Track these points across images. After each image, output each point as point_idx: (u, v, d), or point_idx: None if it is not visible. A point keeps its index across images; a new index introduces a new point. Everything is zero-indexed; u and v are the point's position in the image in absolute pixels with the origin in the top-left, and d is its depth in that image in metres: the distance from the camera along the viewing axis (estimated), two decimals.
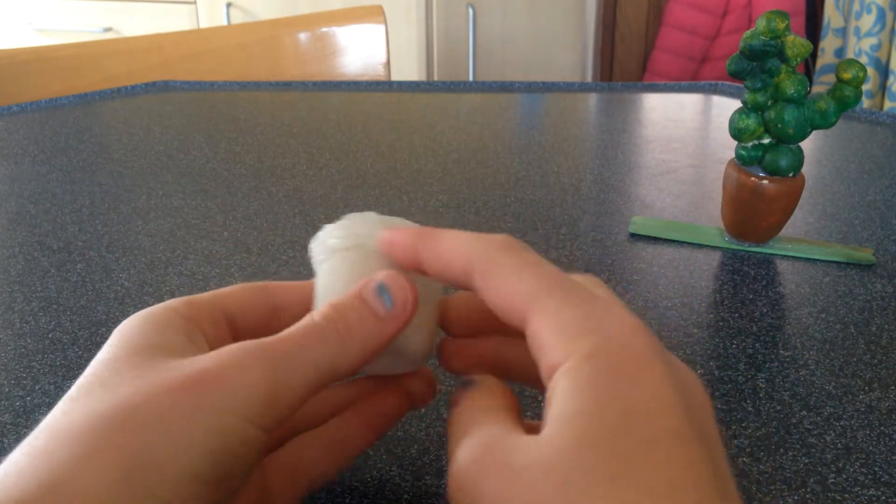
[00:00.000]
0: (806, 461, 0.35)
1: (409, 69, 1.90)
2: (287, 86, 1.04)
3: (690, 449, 0.21)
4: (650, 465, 0.20)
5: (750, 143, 0.52)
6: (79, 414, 0.23)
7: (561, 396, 0.22)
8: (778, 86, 0.50)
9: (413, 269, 0.28)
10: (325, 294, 0.29)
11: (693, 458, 0.20)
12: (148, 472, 0.22)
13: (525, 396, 0.39)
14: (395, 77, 1.56)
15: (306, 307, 0.30)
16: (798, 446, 0.36)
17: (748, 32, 0.49)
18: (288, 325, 0.27)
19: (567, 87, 1.03)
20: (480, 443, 0.22)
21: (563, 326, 0.23)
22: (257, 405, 0.24)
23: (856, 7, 1.91)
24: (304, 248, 0.55)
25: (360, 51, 1.25)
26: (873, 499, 0.32)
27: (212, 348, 0.26)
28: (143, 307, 0.29)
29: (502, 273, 0.25)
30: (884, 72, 1.89)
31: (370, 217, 0.31)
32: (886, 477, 0.34)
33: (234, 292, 0.30)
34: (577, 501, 0.19)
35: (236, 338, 0.29)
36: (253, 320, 0.30)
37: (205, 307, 0.29)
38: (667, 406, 0.21)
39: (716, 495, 0.20)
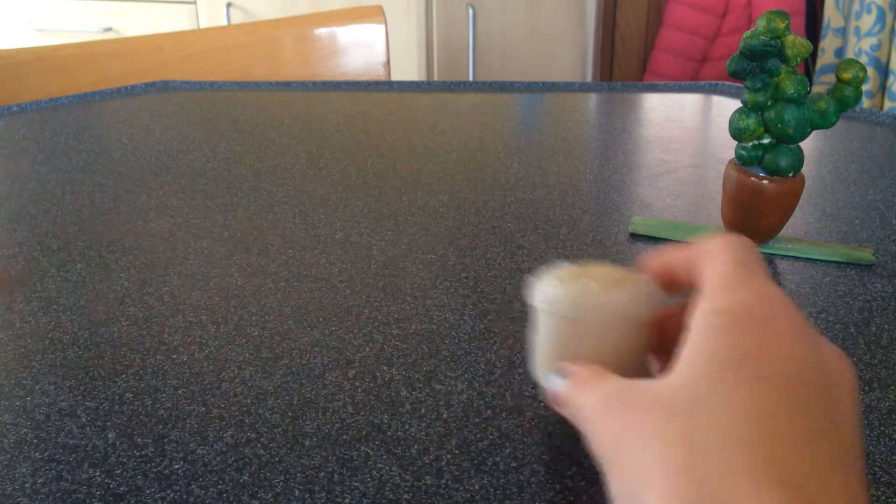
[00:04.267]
0: None
1: (409, 69, 1.89)
2: (287, 86, 1.04)
3: (789, 390, 0.23)
4: (749, 397, 0.23)
5: (750, 143, 0.52)
6: None
7: (687, 344, 0.26)
8: (778, 86, 0.50)
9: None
10: (544, 352, 0.34)
11: (792, 397, 0.23)
12: None
13: None
14: (395, 77, 1.56)
15: None
16: None
17: (748, 32, 0.49)
18: None
19: (567, 87, 1.03)
20: (609, 391, 0.26)
21: (713, 288, 0.27)
22: None
23: (856, 7, 1.91)
24: (304, 248, 0.55)
25: (360, 51, 1.25)
26: (873, 499, 0.32)
27: None
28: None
29: (713, 254, 0.29)
30: (884, 72, 1.89)
31: (590, 286, 0.33)
32: (886, 477, 0.34)
33: None
34: (683, 425, 0.23)
35: None
36: None
37: None
38: (773, 359, 0.24)
39: (809, 434, 0.22)
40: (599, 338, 0.33)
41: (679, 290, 0.32)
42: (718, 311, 0.26)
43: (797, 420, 0.22)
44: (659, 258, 0.32)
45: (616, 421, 0.25)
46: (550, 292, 0.33)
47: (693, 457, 0.22)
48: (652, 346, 0.33)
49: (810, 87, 0.56)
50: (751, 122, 0.51)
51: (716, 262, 0.28)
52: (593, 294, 0.32)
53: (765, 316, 0.25)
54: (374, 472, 0.34)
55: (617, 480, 0.24)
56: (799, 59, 0.48)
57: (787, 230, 0.56)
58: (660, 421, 0.23)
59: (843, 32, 2.01)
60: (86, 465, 0.35)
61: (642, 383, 0.26)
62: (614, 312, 0.33)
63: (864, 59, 1.89)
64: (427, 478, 0.33)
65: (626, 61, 2.42)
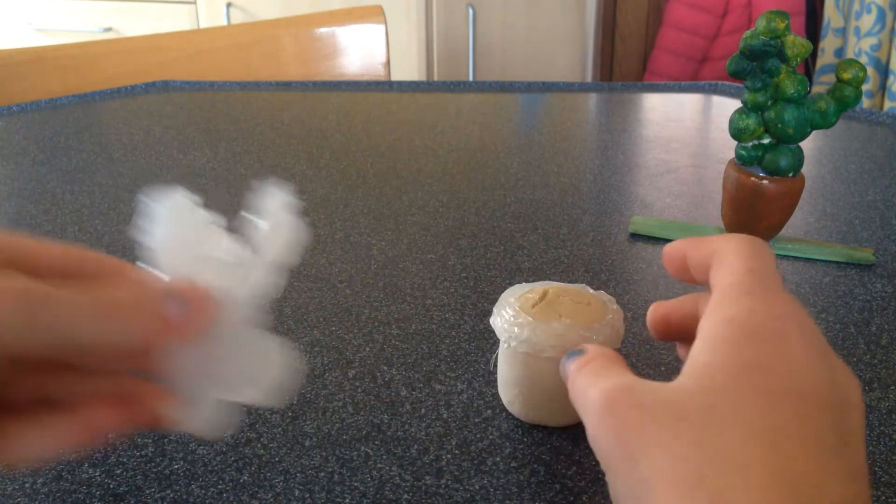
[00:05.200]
0: None
1: (409, 69, 1.89)
2: (287, 86, 1.04)
3: (800, 407, 0.23)
4: (761, 412, 0.22)
5: (750, 143, 0.52)
6: None
7: (695, 351, 0.25)
8: (778, 86, 0.50)
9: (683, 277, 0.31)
10: (516, 386, 0.36)
11: (805, 414, 0.23)
12: None
13: None
14: (395, 77, 1.56)
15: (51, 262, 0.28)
16: None
17: (748, 32, 0.49)
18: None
19: (567, 87, 1.03)
20: (614, 386, 0.25)
21: (724, 295, 0.26)
22: (4, 333, 0.23)
23: (856, 7, 1.91)
24: (304, 248, 0.55)
25: (360, 51, 1.25)
26: (873, 499, 0.32)
27: None
28: None
29: (727, 256, 0.28)
30: (884, 72, 1.89)
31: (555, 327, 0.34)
32: (886, 477, 0.34)
33: (53, 248, 0.28)
34: (695, 435, 0.22)
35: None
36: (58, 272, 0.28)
37: None
38: (784, 373, 0.23)
39: (821, 451, 0.22)
40: None
41: (692, 282, 0.31)
42: (730, 320, 0.25)
43: (809, 437, 0.22)
44: (675, 251, 0.31)
45: (619, 421, 0.24)
46: (526, 334, 0.34)
47: (705, 469, 0.22)
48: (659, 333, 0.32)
49: (810, 87, 0.56)
50: (751, 122, 0.51)
51: (729, 265, 0.27)
52: (573, 338, 0.33)
53: (778, 329, 0.25)
54: (374, 472, 0.34)
55: (621, 482, 0.24)
56: (799, 59, 0.48)
57: (787, 230, 0.56)
58: (669, 427, 0.23)
59: (843, 32, 2.01)
60: (86, 465, 0.35)
61: (650, 383, 0.25)
62: None
63: (864, 59, 1.89)
64: (427, 478, 0.33)
65: (626, 61, 2.42)
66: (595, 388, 0.26)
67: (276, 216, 0.30)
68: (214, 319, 0.28)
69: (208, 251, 0.30)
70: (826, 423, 0.23)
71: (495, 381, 0.39)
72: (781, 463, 0.21)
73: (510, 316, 0.35)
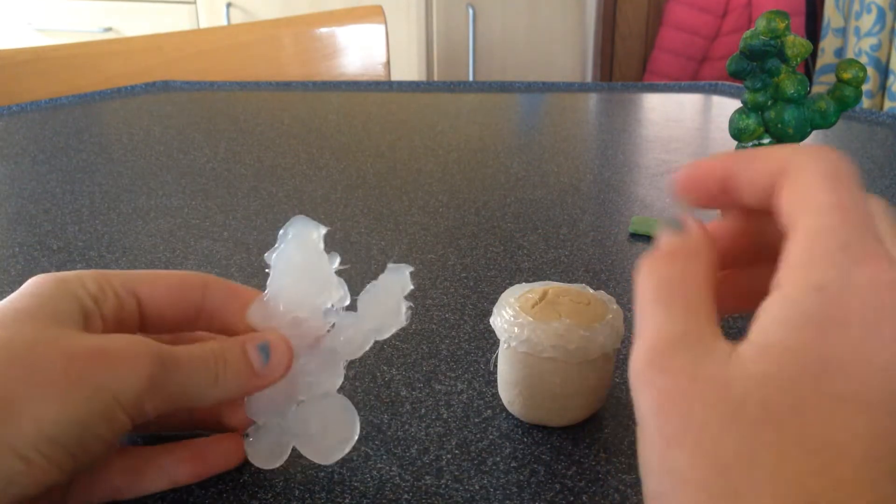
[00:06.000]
0: None
1: (409, 69, 1.89)
2: (287, 86, 1.04)
3: (875, 420, 0.19)
4: (822, 422, 0.19)
5: (750, 143, 0.52)
6: None
7: (771, 320, 0.20)
8: (778, 86, 0.50)
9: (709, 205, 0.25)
10: (516, 386, 0.36)
11: (873, 432, 0.19)
12: (22, 422, 0.24)
13: None
14: (395, 77, 1.56)
15: (235, 318, 0.33)
16: None
17: (748, 32, 0.49)
18: (208, 327, 0.32)
19: (567, 87, 1.03)
20: (671, 334, 0.21)
21: (815, 248, 0.21)
22: (133, 395, 0.26)
23: (856, 7, 1.91)
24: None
25: (360, 51, 1.25)
26: None
27: (112, 325, 0.30)
28: None
29: (804, 178, 0.22)
30: (884, 72, 1.89)
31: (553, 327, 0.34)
32: None
33: (154, 283, 0.32)
34: (736, 438, 0.19)
35: (146, 322, 0.32)
36: (168, 314, 0.32)
37: (116, 288, 0.31)
38: (868, 372, 0.19)
39: (882, 478, 0.18)
40: (576, 374, 0.34)
41: (719, 206, 0.25)
42: (820, 289, 0.20)
43: (873, 460, 0.19)
44: (709, 171, 0.25)
45: (663, 386, 0.21)
46: (526, 334, 0.34)
47: (741, 486, 0.19)
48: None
49: (810, 87, 0.56)
50: (751, 122, 0.51)
51: (811, 196, 0.21)
52: (573, 338, 0.33)
53: (873, 315, 0.20)
54: (374, 472, 0.34)
55: (649, 458, 0.21)
56: (799, 59, 0.48)
57: None
58: (715, 420, 0.20)
59: (843, 32, 2.01)
60: None
61: (711, 344, 0.21)
62: (594, 352, 0.33)
63: (864, 59, 1.89)
64: (427, 478, 0.33)
65: (626, 61, 2.42)
66: (650, 326, 0.22)
67: (392, 295, 0.32)
68: (291, 368, 0.32)
69: (321, 300, 0.32)
70: (885, 431, 0.19)
71: (495, 381, 0.39)
72: (832, 494, 0.18)
73: (510, 316, 0.35)
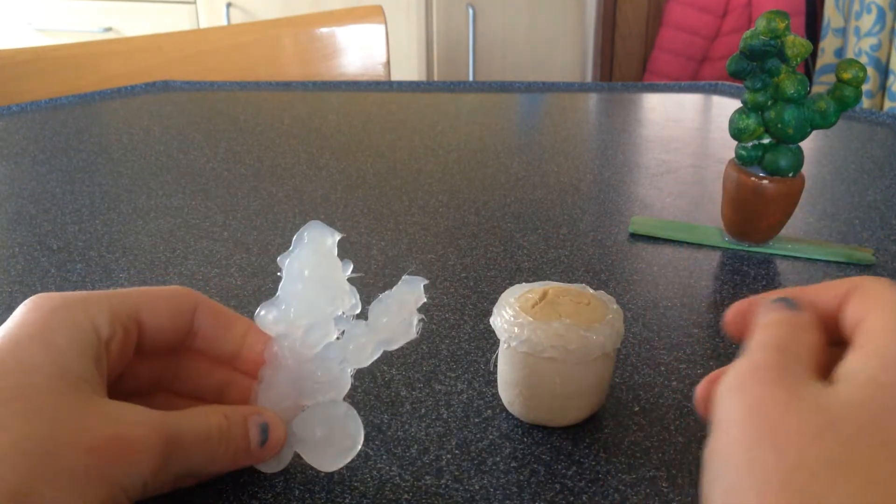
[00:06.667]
0: None
1: (409, 69, 1.89)
2: (287, 86, 1.04)
3: None
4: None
5: (750, 143, 0.52)
6: None
7: (860, 366, 0.22)
8: (778, 86, 0.50)
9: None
10: (517, 386, 0.36)
11: None
12: None
13: None
14: (395, 77, 1.56)
15: (223, 345, 0.33)
16: None
17: (748, 32, 0.49)
18: (200, 349, 0.33)
19: (567, 87, 1.03)
20: (778, 362, 0.23)
21: (889, 322, 0.23)
22: (140, 484, 0.27)
23: (856, 7, 1.91)
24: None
25: (360, 51, 1.25)
26: None
27: (115, 357, 0.30)
28: None
29: (872, 288, 0.25)
30: (884, 72, 1.89)
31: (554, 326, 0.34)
32: None
33: (156, 308, 0.32)
34: (833, 448, 0.20)
35: (140, 343, 0.32)
36: (164, 338, 0.32)
37: (124, 321, 0.31)
38: None
39: None
40: (576, 374, 0.34)
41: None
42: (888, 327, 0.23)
43: None
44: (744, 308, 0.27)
45: (760, 395, 0.22)
46: (527, 334, 0.34)
47: (826, 496, 0.19)
48: None
49: (810, 87, 0.56)
50: (751, 122, 0.51)
51: (881, 294, 0.24)
52: (573, 338, 0.33)
53: None
54: (374, 472, 0.34)
55: (728, 461, 0.21)
56: (799, 59, 0.48)
57: (787, 230, 0.56)
58: (809, 428, 0.20)
59: (843, 32, 2.01)
60: None
61: (809, 383, 0.22)
62: (594, 352, 0.33)
63: (864, 59, 1.89)
64: (427, 478, 0.33)
65: (626, 61, 2.42)
66: (756, 355, 0.23)
67: (405, 308, 0.33)
68: (283, 442, 0.32)
69: (333, 308, 0.33)
70: None
71: (495, 381, 0.39)
72: None
73: (510, 316, 0.35)
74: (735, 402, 0.22)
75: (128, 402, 0.29)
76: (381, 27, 1.25)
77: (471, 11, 1.90)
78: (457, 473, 0.34)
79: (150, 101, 0.97)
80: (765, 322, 0.25)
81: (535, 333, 0.33)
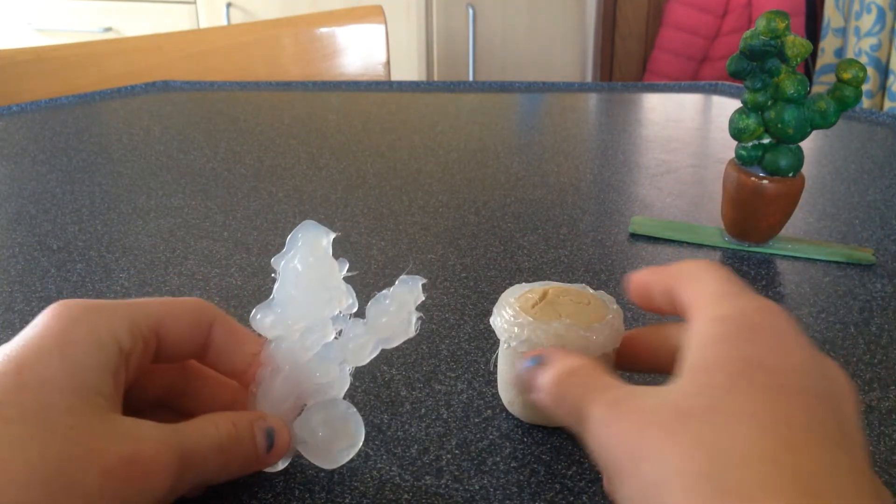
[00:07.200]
0: None
1: (409, 69, 1.89)
2: (287, 86, 1.04)
3: (806, 399, 0.23)
4: (767, 407, 0.22)
5: (750, 143, 0.52)
6: (10, 452, 0.25)
7: (688, 352, 0.25)
8: (778, 86, 0.50)
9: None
10: (508, 377, 0.36)
11: (808, 408, 0.23)
12: None
13: None
14: (395, 77, 1.56)
15: (233, 366, 0.33)
16: None
17: (748, 32, 0.49)
18: (212, 363, 0.33)
19: (567, 87, 1.03)
20: (616, 396, 0.25)
21: (710, 299, 0.27)
22: (157, 497, 0.28)
23: (856, 7, 1.91)
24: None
25: (360, 51, 1.25)
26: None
27: (134, 368, 0.30)
28: None
29: (697, 276, 0.29)
30: (884, 72, 1.89)
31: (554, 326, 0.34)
32: (886, 477, 0.34)
33: (175, 322, 0.32)
34: (703, 434, 0.22)
35: (158, 353, 0.32)
36: (181, 350, 0.33)
37: (145, 333, 0.31)
38: (787, 370, 0.24)
39: (826, 444, 0.22)
40: None
41: (654, 311, 0.32)
42: (721, 319, 0.26)
43: (815, 430, 0.22)
44: (637, 282, 0.32)
45: (624, 427, 0.24)
46: (527, 334, 0.34)
47: (716, 467, 0.22)
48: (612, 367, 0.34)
49: (810, 87, 0.56)
50: (751, 122, 0.51)
51: (702, 280, 0.28)
52: (573, 338, 0.33)
53: (769, 325, 0.25)
54: (374, 472, 0.34)
55: (631, 486, 0.24)
56: (799, 59, 0.48)
57: (787, 230, 0.56)
58: (674, 428, 0.23)
59: (843, 32, 2.01)
60: None
61: (648, 388, 0.25)
62: (594, 352, 0.33)
63: (864, 59, 1.89)
64: (427, 478, 0.33)
65: (626, 61, 2.42)
66: (594, 402, 0.26)
67: (404, 307, 0.33)
68: (291, 442, 0.32)
69: (330, 308, 0.32)
70: (829, 416, 0.23)
71: (495, 381, 0.39)
72: (792, 457, 0.21)
73: (510, 316, 0.35)
74: (602, 443, 0.25)
75: (141, 419, 0.29)
76: (381, 27, 1.25)
77: (471, 11, 1.90)
78: (457, 473, 0.34)
79: (150, 101, 0.97)
80: (556, 383, 0.28)
81: (535, 333, 0.33)
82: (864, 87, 1.57)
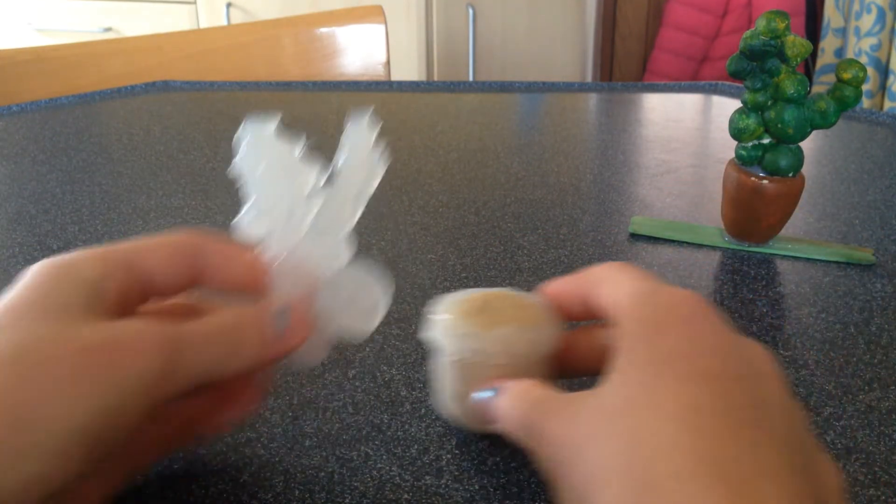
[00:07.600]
0: None
1: (409, 69, 1.90)
2: (287, 86, 1.04)
3: (719, 383, 0.24)
4: (680, 397, 0.23)
5: (750, 143, 0.52)
6: None
7: (615, 351, 0.26)
8: (778, 86, 0.50)
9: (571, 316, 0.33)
10: (459, 392, 0.34)
11: (721, 391, 0.23)
12: (37, 423, 0.23)
13: None
14: (395, 77, 1.56)
15: (233, 278, 0.31)
16: None
17: (748, 32, 0.49)
18: (214, 269, 0.31)
19: (567, 87, 1.03)
20: (559, 407, 0.26)
21: (624, 296, 0.28)
22: (149, 381, 0.26)
23: (856, 7, 1.91)
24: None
25: (360, 51, 1.25)
26: (873, 499, 0.32)
27: (116, 303, 0.28)
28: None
29: (609, 279, 0.31)
30: (884, 72, 1.89)
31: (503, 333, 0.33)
32: (886, 477, 0.34)
33: (154, 252, 0.30)
34: (625, 428, 0.23)
35: (148, 292, 0.30)
36: (170, 282, 0.31)
37: (119, 265, 0.29)
38: (702, 355, 0.25)
39: (741, 425, 0.22)
40: (530, 375, 0.33)
41: (571, 319, 0.33)
42: (639, 319, 0.27)
43: (731, 414, 0.23)
44: (549, 291, 0.33)
45: (560, 428, 0.25)
46: (478, 344, 0.32)
47: (637, 460, 0.22)
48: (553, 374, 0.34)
49: (810, 87, 0.56)
50: (751, 122, 0.51)
51: (616, 281, 0.29)
52: (522, 341, 0.32)
53: (684, 316, 0.26)
54: (374, 472, 0.34)
55: (566, 486, 0.24)
56: (799, 59, 0.48)
57: (787, 230, 0.56)
58: (603, 424, 0.24)
59: (843, 32, 2.01)
60: None
61: (587, 393, 0.26)
62: (535, 356, 0.33)
63: (864, 59, 1.89)
64: (427, 478, 0.33)
65: (626, 61, 2.42)
66: (533, 409, 0.27)
67: (360, 147, 0.32)
68: (312, 327, 0.31)
69: (299, 189, 0.32)
70: (741, 397, 0.24)
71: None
72: (701, 442, 0.22)
73: (455, 327, 0.33)
74: (543, 452, 0.26)
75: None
76: (381, 27, 1.25)
77: (471, 11, 1.90)
78: (457, 473, 0.34)
79: (150, 101, 0.97)
80: (513, 411, 0.29)
81: (485, 343, 0.32)
82: (864, 87, 1.57)
